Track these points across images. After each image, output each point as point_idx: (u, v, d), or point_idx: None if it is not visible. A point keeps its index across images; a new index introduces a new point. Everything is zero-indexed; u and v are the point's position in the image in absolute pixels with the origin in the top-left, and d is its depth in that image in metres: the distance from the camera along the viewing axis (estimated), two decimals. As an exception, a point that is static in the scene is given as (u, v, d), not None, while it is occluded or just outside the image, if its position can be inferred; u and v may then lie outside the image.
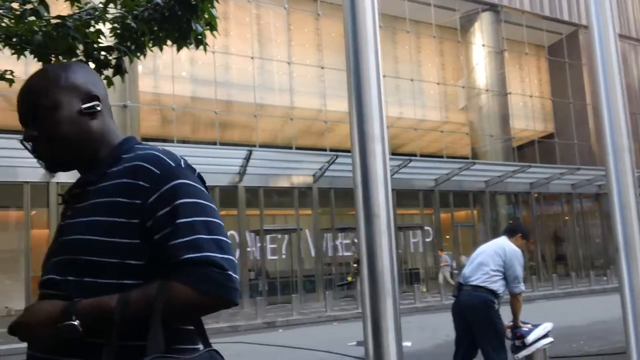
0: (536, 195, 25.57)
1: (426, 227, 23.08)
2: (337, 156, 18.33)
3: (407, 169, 19.71)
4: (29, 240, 15.95)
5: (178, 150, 15.72)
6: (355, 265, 20.21)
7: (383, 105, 2.42)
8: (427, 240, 23.09)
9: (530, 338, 5.11)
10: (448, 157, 23.78)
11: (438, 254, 22.26)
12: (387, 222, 2.38)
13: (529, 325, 5.23)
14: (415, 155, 22.08)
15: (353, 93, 2.43)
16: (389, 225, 2.39)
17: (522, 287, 5.20)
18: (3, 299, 18.02)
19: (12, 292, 17.41)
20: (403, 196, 21.45)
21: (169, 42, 4.63)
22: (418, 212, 23.11)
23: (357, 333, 11.27)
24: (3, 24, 4.46)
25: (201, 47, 4.63)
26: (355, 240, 22.57)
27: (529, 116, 28.58)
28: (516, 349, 5.20)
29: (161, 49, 4.65)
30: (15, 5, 4.31)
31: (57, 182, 16.24)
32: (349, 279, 20.02)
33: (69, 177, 16.39)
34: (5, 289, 17.96)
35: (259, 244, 19.83)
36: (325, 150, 20.78)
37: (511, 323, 5.27)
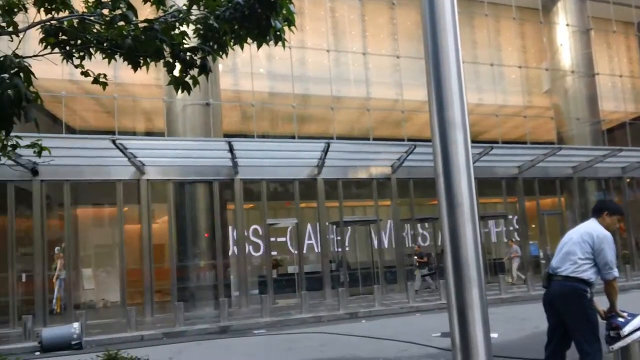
0: (629, 180, 24.22)
1: (510, 216, 22.39)
2: (415, 146, 18.12)
3: (488, 156, 19.19)
4: (123, 235, 16.81)
5: (258, 145, 16.07)
6: (416, 257, 19.73)
7: (464, 91, 2.39)
8: (511, 229, 22.42)
9: (626, 329, 4.86)
10: (532, 143, 22.93)
11: (508, 244, 21.49)
12: (470, 211, 2.35)
13: (626, 315, 4.98)
14: (496, 142, 21.45)
15: (432, 80, 2.42)
16: (472, 214, 2.36)
17: (615, 272, 4.93)
18: (100, 291, 19.18)
19: (108, 285, 18.49)
20: (485, 185, 20.92)
21: (249, 40, 4.73)
22: (501, 201, 22.47)
23: (441, 324, 11.15)
24: (94, 30, 4.71)
25: (280, 43, 4.70)
26: (422, 231, 22.28)
27: (619, 97, 27.05)
28: (611, 340, 4.97)
29: (242, 47, 4.74)
30: (105, 11, 4.55)
31: (147, 180, 17.04)
32: (415, 273, 19.64)
33: (157, 173, 17.22)
34: (102, 281, 19.09)
35: (339, 236, 19.98)
36: (403, 140, 20.59)
37: (606, 308, 5.05)
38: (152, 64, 4.81)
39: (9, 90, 3.99)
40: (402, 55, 22.22)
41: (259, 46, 4.69)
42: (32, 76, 4.13)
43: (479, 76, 23.67)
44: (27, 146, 5.96)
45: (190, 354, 10.11)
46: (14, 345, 12.37)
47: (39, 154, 5.97)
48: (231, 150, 16.15)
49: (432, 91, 2.40)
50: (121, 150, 15.18)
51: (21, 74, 4.05)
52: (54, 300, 16.58)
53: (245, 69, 19.82)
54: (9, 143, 5.85)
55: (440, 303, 15.64)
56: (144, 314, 16.18)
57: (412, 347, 9.19)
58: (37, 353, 11.47)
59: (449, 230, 2.34)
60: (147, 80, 17.65)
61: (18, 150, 5.96)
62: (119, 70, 4.89)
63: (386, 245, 21.01)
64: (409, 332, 10.73)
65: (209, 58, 4.68)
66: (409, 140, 19.95)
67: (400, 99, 22.12)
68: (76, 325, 12.36)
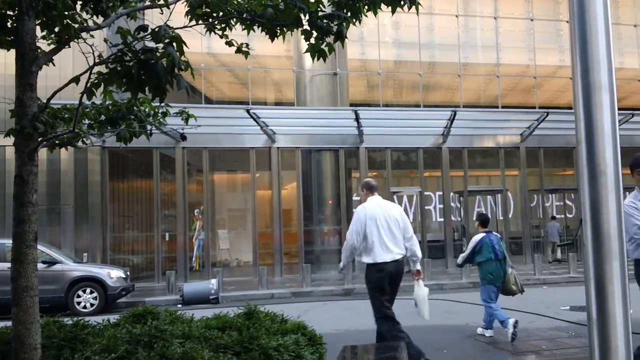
0: None
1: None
2: (547, 113, 17.24)
3: (629, 124, 17.87)
4: (255, 200, 17.79)
5: (384, 113, 16.05)
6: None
7: (612, 51, 2.29)
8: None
9: None
10: (681, 110, 20.90)
11: None
12: (614, 180, 2.26)
13: None
14: (638, 109, 19.81)
15: (577, 40, 2.34)
16: (617, 183, 2.26)
17: None
18: (234, 252, 20.48)
19: (241, 246, 19.69)
20: (623, 155, 19.34)
21: (382, 7, 4.74)
22: None
23: (569, 298, 10.76)
24: (235, 2, 4.97)
25: (413, 7, 4.67)
26: (551, 202, 20.66)
27: None
28: None
29: (375, 13, 4.77)
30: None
31: (278, 147, 17.77)
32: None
33: (287, 141, 17.87)
34: (235, 242, 20.35)
35: (462, 205, 19.64)
36: (533, 107, 19.65)
37: None
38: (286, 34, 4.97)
39: (163, 59, 4.35)
40: (536, 17, 21.05)
41: (393, 11, 4.68)
42: (183, 46, 4.43)
43: (620, 38, 21.85)
44: (176, 114, 6.49)
45: (317, 313, 10.57)
46: (158, 297, 13.64)
47: (186, 121, 6.47)
48: (357, 118, 16.36)
49: (576, 52, 2.33)
50: (254, 120, 15.92)
51: (174, 44, 4.37)
52: (193, 258, 18.01)
53: (371, 37, 19.81)
54: (160, 111, 6.40)
55: (568, 277, 15.14)
56: (274, 274, 17.10)
57: (540, 319, 8.98)
58: (179, 305, 12.52)
59: (590, 200, 2.25)
60: (278, 51, 18.24)
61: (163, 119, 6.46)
62: (251, 42, 5.13)
63: (512, 216, 20.34)
64: (536, 304, 10.46)
65: (343, 25, 4.75)
66: (541, 107, 19.00)
67: (532, 64, 21.04)
68: (214, 281, 13.36)
